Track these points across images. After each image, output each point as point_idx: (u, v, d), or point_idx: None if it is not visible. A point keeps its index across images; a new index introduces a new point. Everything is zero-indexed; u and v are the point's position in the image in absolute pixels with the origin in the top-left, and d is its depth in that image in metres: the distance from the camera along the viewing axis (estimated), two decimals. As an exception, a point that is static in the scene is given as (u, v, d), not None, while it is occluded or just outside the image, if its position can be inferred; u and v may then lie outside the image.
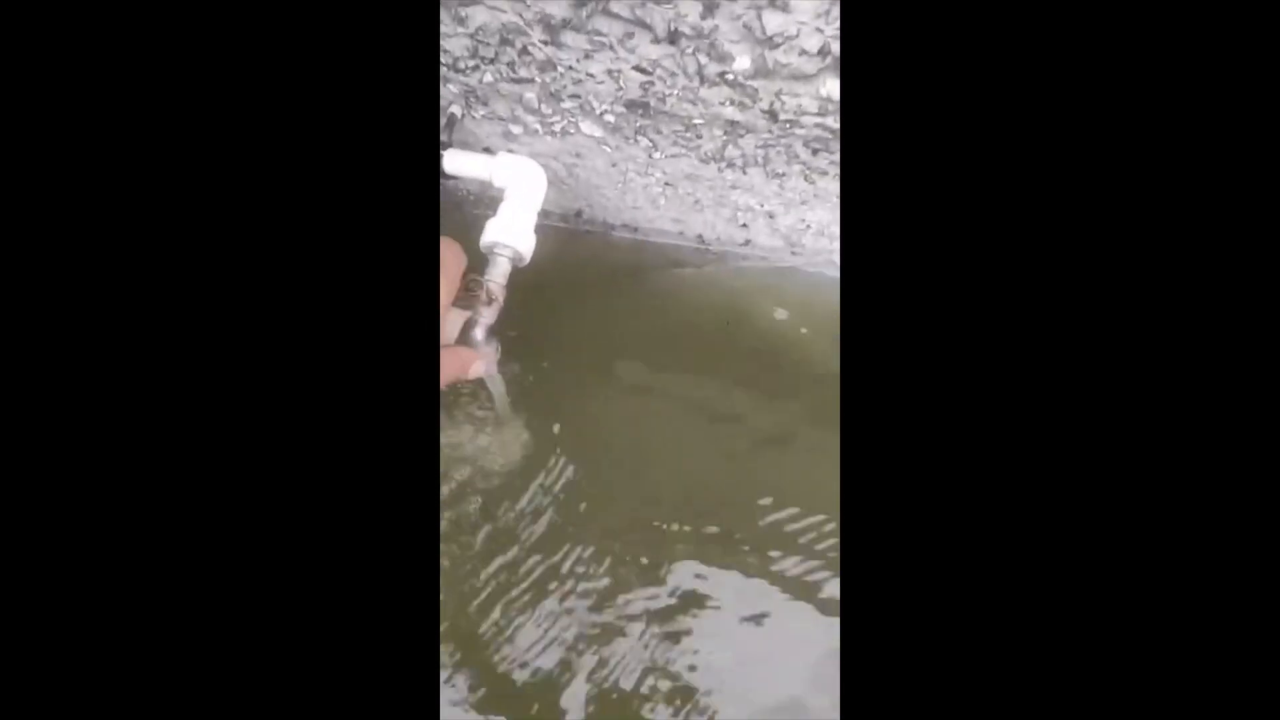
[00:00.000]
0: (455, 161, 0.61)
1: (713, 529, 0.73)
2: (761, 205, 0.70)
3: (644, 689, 0.68)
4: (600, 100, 0.58)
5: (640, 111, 0.58)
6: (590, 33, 0.50)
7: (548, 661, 0.68)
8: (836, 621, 0.70)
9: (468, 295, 0.56)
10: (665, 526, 0.74)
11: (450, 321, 0.57)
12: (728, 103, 0.55)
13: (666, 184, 0.69)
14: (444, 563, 0.71)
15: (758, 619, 0.70)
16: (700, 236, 0.79)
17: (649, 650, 0.69)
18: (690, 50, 0.50)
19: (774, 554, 0.72)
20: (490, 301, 0.56)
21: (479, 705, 0.67)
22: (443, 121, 0.64)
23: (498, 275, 0.57)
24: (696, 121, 0.58)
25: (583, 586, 0.71)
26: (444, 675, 0.68)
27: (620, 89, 0.56)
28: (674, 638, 0.70)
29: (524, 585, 0.71)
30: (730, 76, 0.52)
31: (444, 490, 0.73)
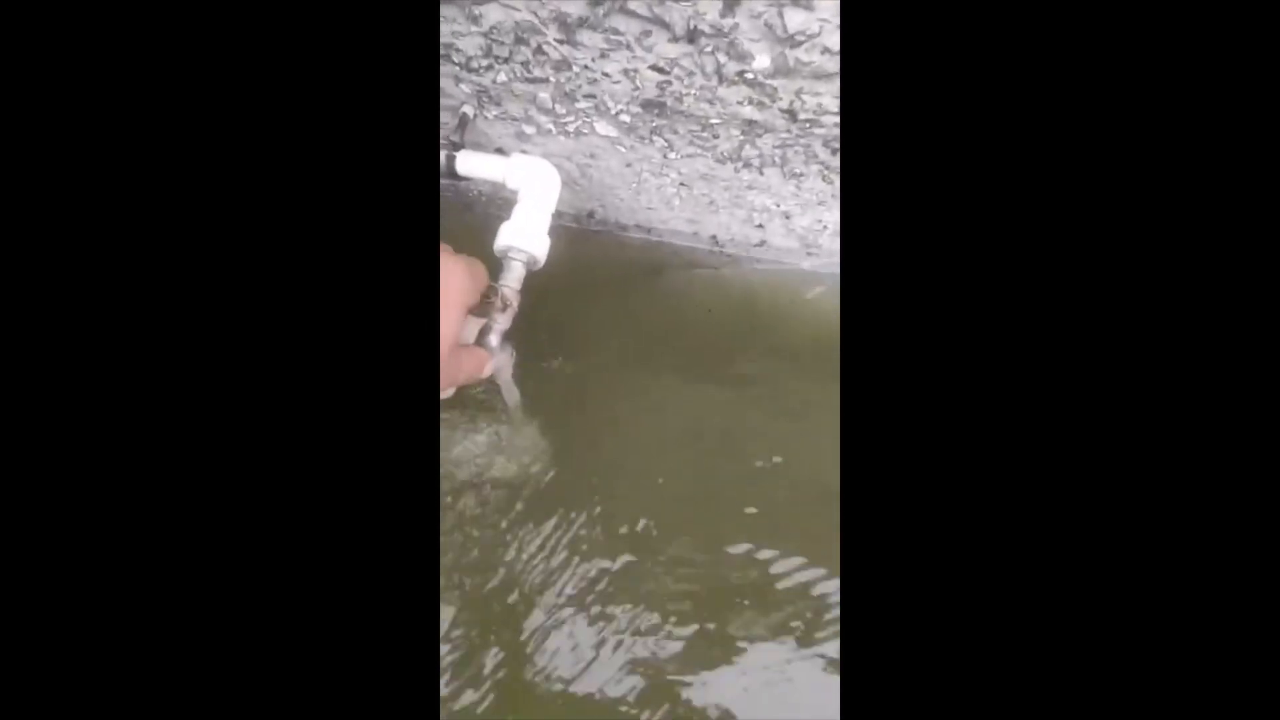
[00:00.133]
0: (468, 163, 0.60)
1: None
2: (778, 206, 0.68)
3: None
4: (616, 100, 0.57)
5: (656, 111, 0.57)
6: (607, 31, 0.49)
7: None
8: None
9: (482, 301, 0.55)
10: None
11: (469, 327, 0.56)
12: (746, 102, 0.54)
13: (681, 184, 0.68)
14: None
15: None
16: (714, 237, 0.78)
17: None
18: (709, 49, 0.49)
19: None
20: (505, 307, 0.55)
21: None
22: (454, 122, 0.63)
23: (512, 280, 0.56)
24: (714, 121, 0.57)
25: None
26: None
27: (636, 89, 0.55)
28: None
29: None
30: (749, 75, 0.51)
31: (450, 500, 0.72)
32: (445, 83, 0.60)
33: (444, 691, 0.67)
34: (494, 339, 0.57)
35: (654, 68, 0.52)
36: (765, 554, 0.72)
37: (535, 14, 0.49)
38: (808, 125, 0.55)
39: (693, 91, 0.54)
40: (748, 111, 0.55)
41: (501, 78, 0.57)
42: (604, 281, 0.82)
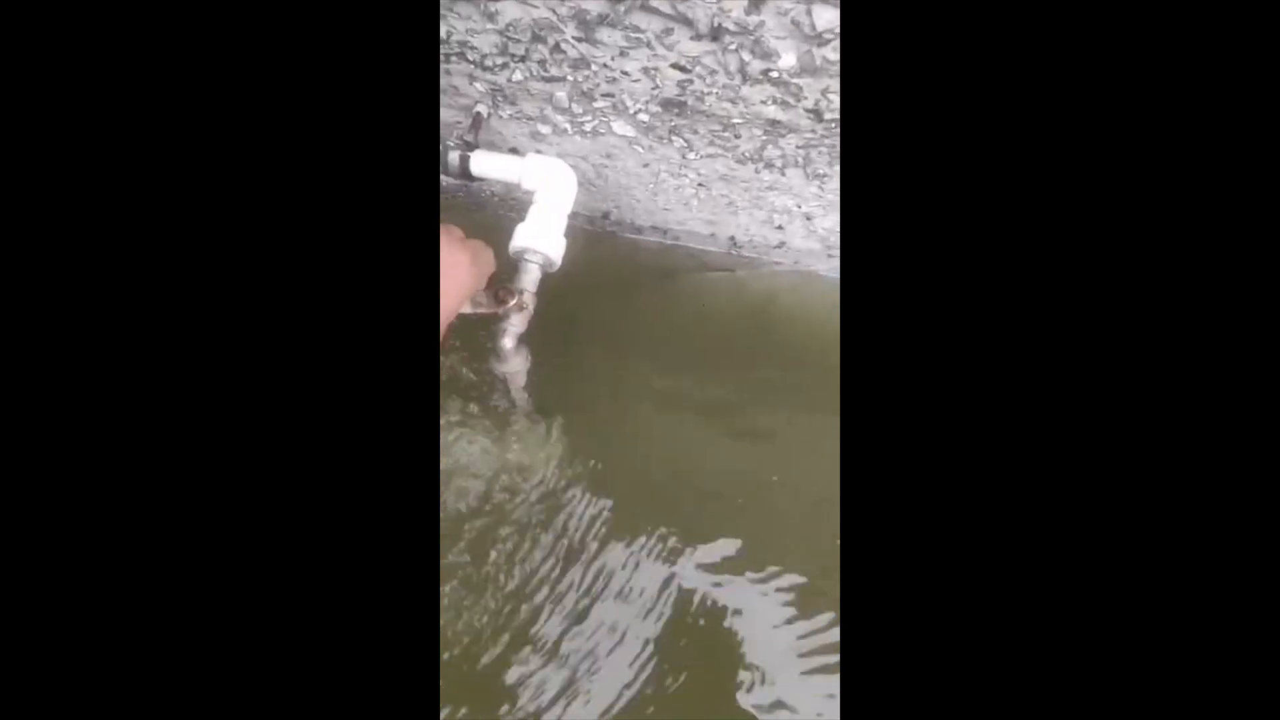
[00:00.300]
0: (483, 163, 0.58)
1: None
2: (799, 207, 0.67)
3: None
4: (635, 99, 0.55)
5: (676, 111, 0.56)
6: (627, 29, 0.47)
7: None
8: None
9: (497, 303, 0.54)
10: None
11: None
12: (770, 101, 0.52)
13: (700, 185, 0.67)
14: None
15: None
16: (733, 239, 0.76)
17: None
18: (733, 47, 0.47)
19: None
20: (521, 309, 0.54)
21: None
22: (468, 122, 0.62)
23: (528, 282, 0.55)
24: (735, 121, 0.56)
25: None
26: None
27: (656, 87, 0.53)
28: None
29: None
30: (774, 74, 0.49)
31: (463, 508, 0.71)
32: (459, 81, 0.58)
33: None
34: (509, 341, 0.56)
35: (675, 66, 0.50)
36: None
37: (554, 11, 0.48)
38: (833, 125, 0.53)
39: (715, 90, 0.52)
40: (771, 111, 0.53)
41: (517, 76, 0.56)
42: (616, 283, 0.81)
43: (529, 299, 0.55)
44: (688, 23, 0.46)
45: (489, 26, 0.50)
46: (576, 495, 0.73)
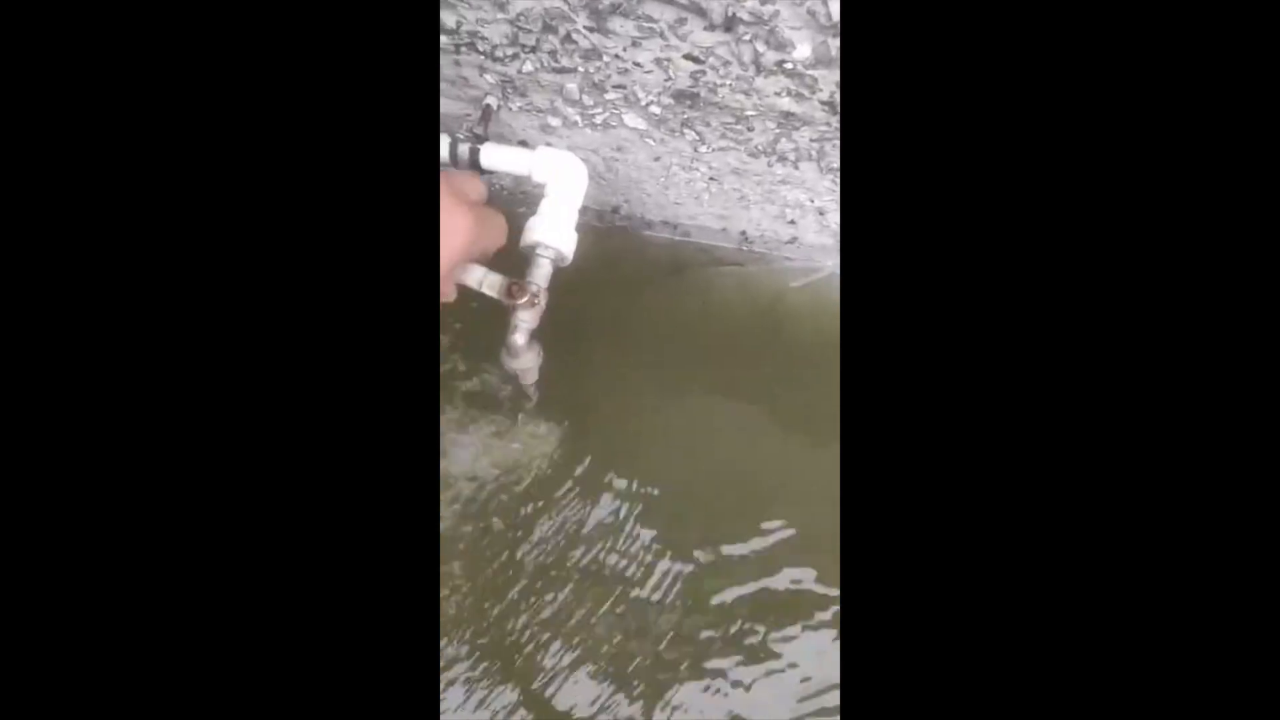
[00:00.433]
0: (493, 156, 0.58)
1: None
2: (812, 201, 0.66)
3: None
4: (646, 91, 0.55)
5: (689, 103, 0.55)
6: (639, 18, 0.47)
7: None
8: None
9: (509, 298, 0.53)
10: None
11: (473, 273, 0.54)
12: (784, 93, 0.51)
13: (712, 179, 0.66)
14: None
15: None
16: (744, 234, 0.76)
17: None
18: (747, 37, 0.47)
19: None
20: (533, 304, 0.53)
21: None
22: (478, 114, 0.61)
23: (540, 277, 0.54)
24: (749, 113, 0.55)
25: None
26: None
27: (669, 79, 0.52)
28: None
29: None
30: (789, 65, 0.48)
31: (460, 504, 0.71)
32: (469, 72, 0.58)
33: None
34: (520, 337, 0.56)
35: (688, 57, 0.49)
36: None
37: (566, 0, 0.47)
38: (848, 118, 0.53)
39: (728, 82, 0.51)
40: (785, 103, 0.52)
41: (528, 67, 0.55)
42: (625, 279, 0.80)
43: (541, 294, 0.54)
44: (701, 13, 0.45)
45: (499, 16, 0.50)
46: (577, 493, 0.73)
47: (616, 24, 0.48)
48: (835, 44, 0.45)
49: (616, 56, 0.51)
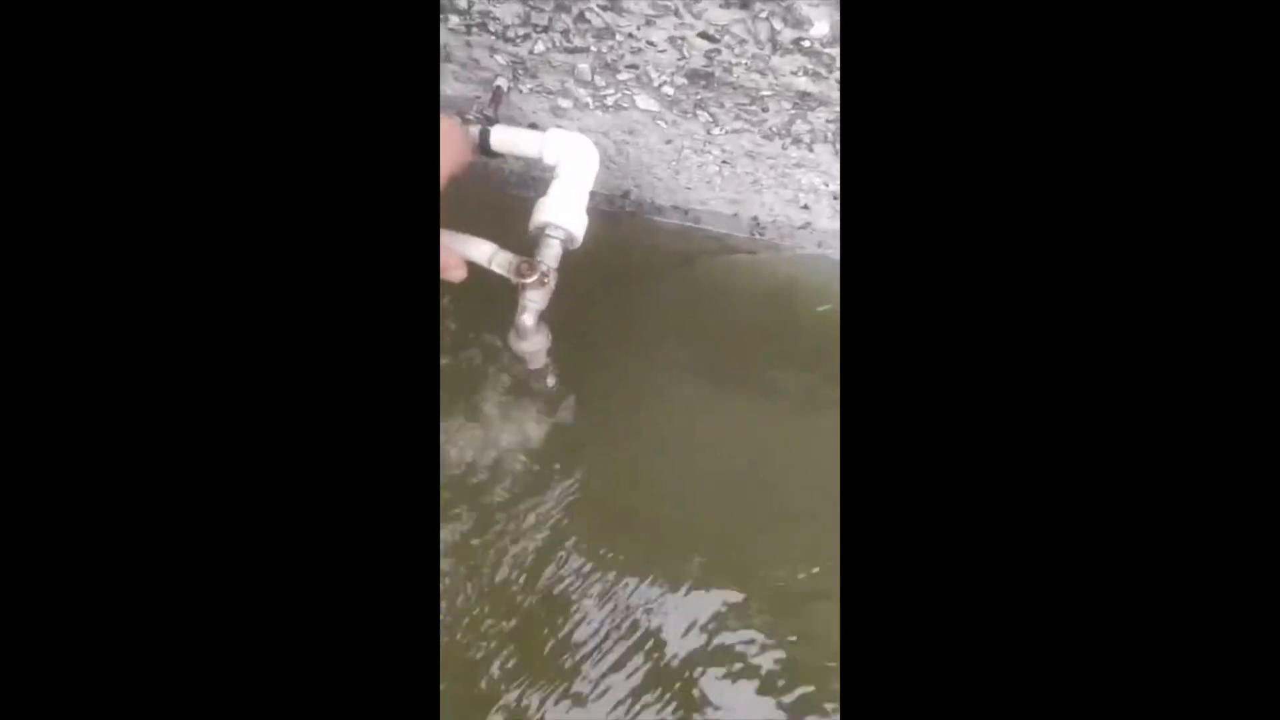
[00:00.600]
0: (503, 138, 0.57)
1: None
2: (826, 185, 0.65)
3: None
4: (660, 70, 0.54)
5: (703, 83, 0.54)
6: (654, -5, 0.46)
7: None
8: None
9: (519, 276, 0.53)
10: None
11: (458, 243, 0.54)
12: (801, 72, 0.50)
13: (724, 162, 0.65)
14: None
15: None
16: (755, 219, 0.75)
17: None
18: (764, 15, 0.46)
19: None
20: (542, 285, 0.53)
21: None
22: (488, 96, 0.60)
23: (550, 258, 0.54)
24: (764, 93, 0.54)
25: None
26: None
27: (683, 58, 0.52)
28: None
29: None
30: (806, 43, 0.47)
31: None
32: (480, 53, 0.57)
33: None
34: (529, 318, 0.55)
35: (703, 35, 0.49)
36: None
37: (579, -24, 0.46)
38: (865, 97, 0.52)
39: (743, 61, 0.50)
40: (802, 83, 0.51)
41: (539, 48, 0.54)
42: (632, 265, 0.79)
43: (551, 275, 0.54)
44: (718, -12, 0.44)
45: (511, -6, 0.49)
46: (579, 481, 0.72)
47: (630, 2, 0.47)
48: (854, 20, 0.45)
49: (630, 35, 0.51)
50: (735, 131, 0.60)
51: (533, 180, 0.76)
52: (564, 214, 0.54)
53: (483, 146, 0.58)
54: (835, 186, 0.65)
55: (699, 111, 0.58)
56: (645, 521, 0.71)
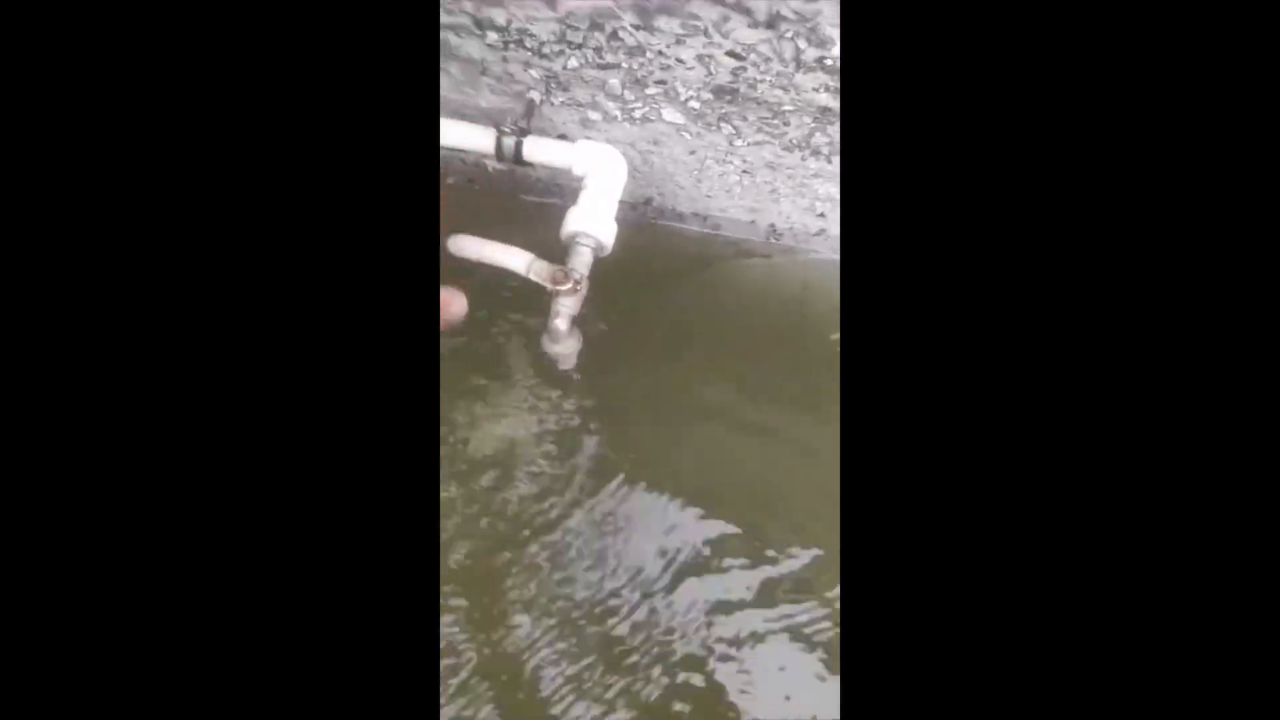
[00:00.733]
0: (535, 148, 0.60)
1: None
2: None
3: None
4: (687, 86, 0.57)
5: (728, 98, 0.57)
6: (685, 16, 0.49)
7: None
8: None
9: (554, 284, 0.55)
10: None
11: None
12: (822, 89, 0.53)
13: (744, 172, 0.68)
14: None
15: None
16: (773, 226, 0.77)
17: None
18: (789, 34, 0.48)
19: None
20: (575, 291, 0.56)
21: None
22: (522, 108, 0.63)
23: (580, 265, 0.56)
24: (786, 108, 0.57)
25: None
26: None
27: (710, 75, 0.54)
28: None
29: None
30: (829, 62, 0.50)
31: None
32: (515, 68, 0.60)
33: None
34: (563, 323, 0.58)
35: (731, 53, 0.51)
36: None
37: (614, 0, 0.49)
38: (883, 113, 0.54)
39: (768, 78, 0.53)
40: (823, 99, 0.54)
41: (573, 63, 0.57)
42: (651, 269, 0.82)
43: (583, 281, 0.56)
44: (746, 11, 0.47)
45: (549, 14, 0.52)
46: (595, 482, 0.74)
47: (662, 22, 0.50)
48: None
49: (660, 53, 0.53)
50: (757, 143, 0.63)
51: (559, 187, 0.78)
52: (594, 223, 0.56)
53: (516, 156, 0.60)
54: (852, 196, 0.67)
55: (722, 124, 0.61)
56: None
